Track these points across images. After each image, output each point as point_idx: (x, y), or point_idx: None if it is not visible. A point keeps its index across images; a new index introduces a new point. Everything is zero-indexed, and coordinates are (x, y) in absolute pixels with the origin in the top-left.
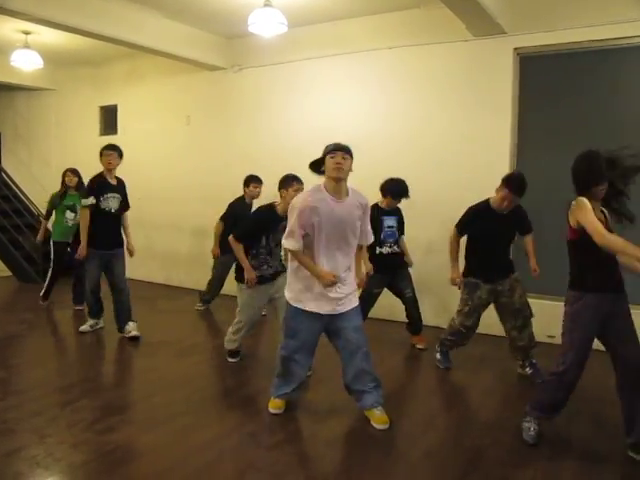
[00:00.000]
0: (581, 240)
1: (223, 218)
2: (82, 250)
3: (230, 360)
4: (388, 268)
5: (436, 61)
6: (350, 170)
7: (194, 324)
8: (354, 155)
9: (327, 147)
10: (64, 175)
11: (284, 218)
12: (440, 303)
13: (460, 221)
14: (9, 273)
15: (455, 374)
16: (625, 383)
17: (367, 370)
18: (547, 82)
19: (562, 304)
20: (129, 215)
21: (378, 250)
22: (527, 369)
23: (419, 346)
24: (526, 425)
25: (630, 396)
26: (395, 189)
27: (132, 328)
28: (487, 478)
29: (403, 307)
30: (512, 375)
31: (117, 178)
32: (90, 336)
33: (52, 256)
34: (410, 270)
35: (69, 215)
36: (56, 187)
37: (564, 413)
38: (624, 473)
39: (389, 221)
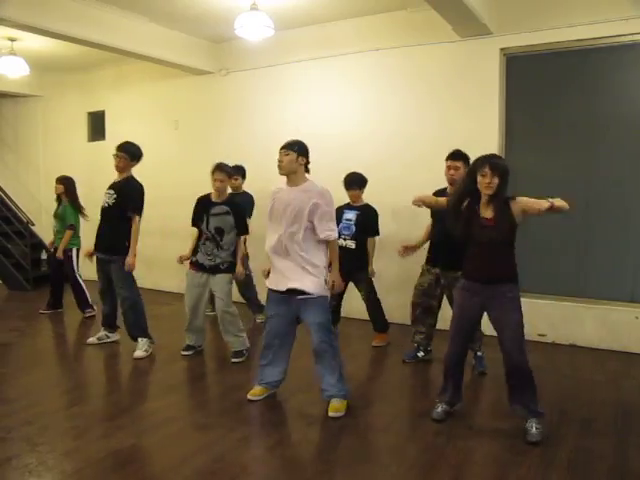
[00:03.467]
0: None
1: None
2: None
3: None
4: (341, 260)
5: (423, 62)
6: (298, 164)
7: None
8: (345, 154)
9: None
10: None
11: (217, 203)
12: None
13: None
14: None
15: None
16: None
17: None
18: (534, 82)
19: (552, 302)
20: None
21: None
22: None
23: (373, 343)
24: None
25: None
26: (345, 179)
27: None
28: (480, 477)
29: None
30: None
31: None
32: (81, 343)
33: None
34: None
35: (55, 223)
36: (44, 194)
37: (556, 413)
38: (615, 471)
39: (348, 214)
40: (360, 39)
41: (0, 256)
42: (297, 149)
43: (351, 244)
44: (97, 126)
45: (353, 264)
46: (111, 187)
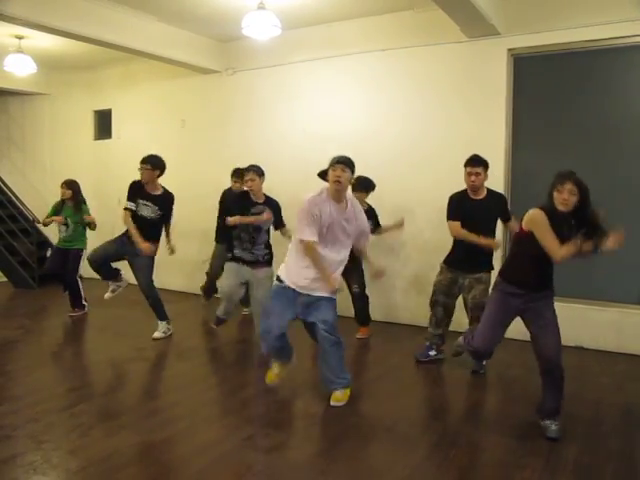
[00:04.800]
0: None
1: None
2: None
3: (212, 326)
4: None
5: (430, 63)
6: (349, 182)
7: (191, 328)
8: (350, 154)
9: (332, 159)
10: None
11: (258, 203)
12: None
13: (448, 211)
14: (4, 279)
15: (454, 373)
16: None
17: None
18: (541, 83)
19: (559, 304)
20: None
21: None
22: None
23: (357, 335)
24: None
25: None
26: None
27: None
28: (485, 479)
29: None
30: (510, 374)
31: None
32: (86, 341)
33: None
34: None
35: (61, 228)
36: (51, 192)
37: (562, 415)
38: (621, 473)
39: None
40: (367, 39)
41: (6, 254)
42: (350, 167)
43: None
44: (104, 125)
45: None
46: (151, 200)
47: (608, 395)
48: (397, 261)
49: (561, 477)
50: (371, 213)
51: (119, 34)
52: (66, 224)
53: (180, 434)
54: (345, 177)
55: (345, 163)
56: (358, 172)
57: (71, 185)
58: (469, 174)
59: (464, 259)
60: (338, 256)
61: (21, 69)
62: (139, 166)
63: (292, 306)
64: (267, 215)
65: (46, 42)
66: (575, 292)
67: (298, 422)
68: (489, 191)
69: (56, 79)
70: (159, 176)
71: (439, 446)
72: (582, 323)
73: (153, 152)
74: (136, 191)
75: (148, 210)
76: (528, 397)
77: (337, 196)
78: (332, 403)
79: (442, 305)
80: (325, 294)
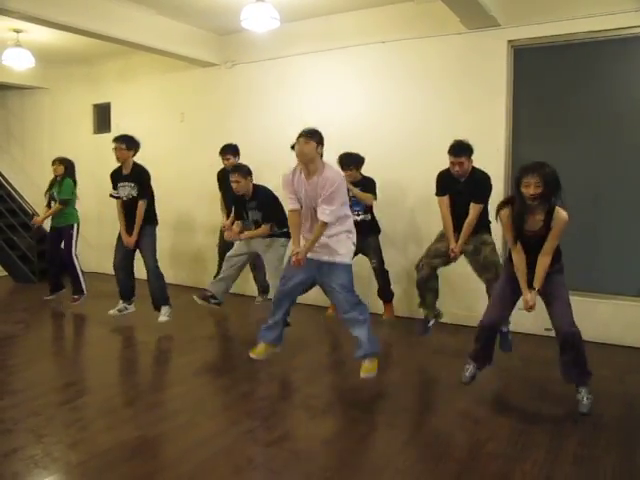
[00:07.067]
0: None
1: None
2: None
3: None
4: (359, 231)
5: (430, 55)
6: (317, 152)
7: (192, 322)
8: (349, 147)
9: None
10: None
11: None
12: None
13: (436, 188)
14: (4, 273)
15: (451, 364)
16: None
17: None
18: (542, 75)
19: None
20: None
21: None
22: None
23: (383, 316)
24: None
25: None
26: (339, 161)
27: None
28: (484, 472)
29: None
30: (509, 366)
31: (133, 168)
32: (87, 335)
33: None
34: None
35: (52, 204)
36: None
37: (562, 407)
38: (621, 465)
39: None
40: (366, 31)
41: (6, 248)
42: (314, 137)
43: (366, 217)
44: (103, 118)
45: (365, 232)
46: (126, 179)
47: (608, 387)
48: (395, 252)
49: (561, 469)
50: (368, 186)
51: (118, 27)
52: (54, 199)
53: (180, 427)
54: (308, 148)
55: (306, 135)
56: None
57: (63, 161)
58: (452, 164)
59: (462, 225)
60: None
61: (20, 63)
62: (113, 145)
63: (306, 269)
64: (263, 230)
65: (45, 36)
66: (575, 284)
67: (298, 415)
68: (472, 172)
69: (55, 73)
70: (134, 155)
71: (439, 438)
72: (582, 315)
73: (153, 145)
74: (114, 178)
75: (126, 190)
76: (528, 389)
77: (306, 170)
78: (362, 375)
79: (432, 267)
80: (334, 259)
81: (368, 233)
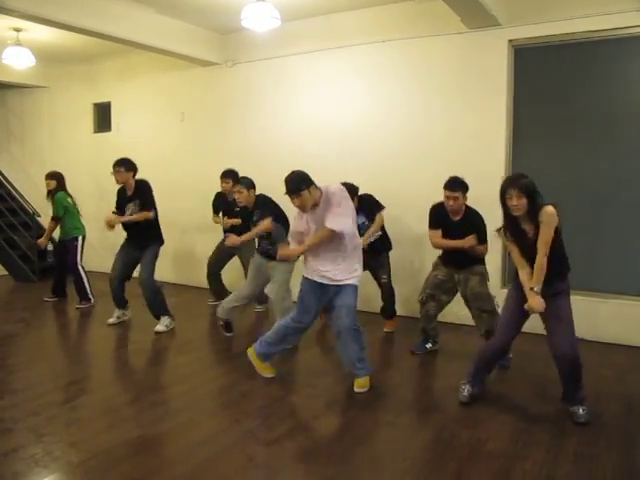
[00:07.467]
0: None
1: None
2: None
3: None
4: (365, 253)
5: (430, 54)
6: (311, 200)
7: (191, 321)
8: (351, 147)
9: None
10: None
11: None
12: None
13: (429, 221)
14: (4, 272)
15: (452, 364)
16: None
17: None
18: (542, 74)
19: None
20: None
21: None
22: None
23: (385, 329)
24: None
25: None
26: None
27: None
28: (485, 471)
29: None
30: (510, 368)
31: (135, 187)
32: (87, 334)
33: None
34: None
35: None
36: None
37: (562, 407)
38: (621, 465)
39: (358, 219)
40: (367, 30)
41: (6, 247)
42: (302, 189)
43: (371, 239)
44: (103, 117)
45: (382, 248)
46: (130, 200)
47: (608, 386)
48: (396, 252)
49: (562, 468)
50: (370, 206)
51: (118, 26)
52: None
53: (181, 427)
54: (302, 200)
55: (293, 192)
56: (358, 165)
57: (54, 176)
58: (447, 197)
59: (455, 258)
60: (331, 252)
61: (20, 62)
62: (111, 170)
63: (315, 293)
64: (265, 225)
65: (45, 34)
66: (576, 284)
67: (299, 414)
68: (467, 211)
69: (55, 72)
70: (134, 176)
71: (439, 437)
72: (582, 315)
73: (153, 144)
74: (120, 197)
75: (130, 210)
76: (529, 388)
77: (306, 210)
78: (355, 389)
79: (436, 300)
80: (344, 282)
81: (381, 250)
